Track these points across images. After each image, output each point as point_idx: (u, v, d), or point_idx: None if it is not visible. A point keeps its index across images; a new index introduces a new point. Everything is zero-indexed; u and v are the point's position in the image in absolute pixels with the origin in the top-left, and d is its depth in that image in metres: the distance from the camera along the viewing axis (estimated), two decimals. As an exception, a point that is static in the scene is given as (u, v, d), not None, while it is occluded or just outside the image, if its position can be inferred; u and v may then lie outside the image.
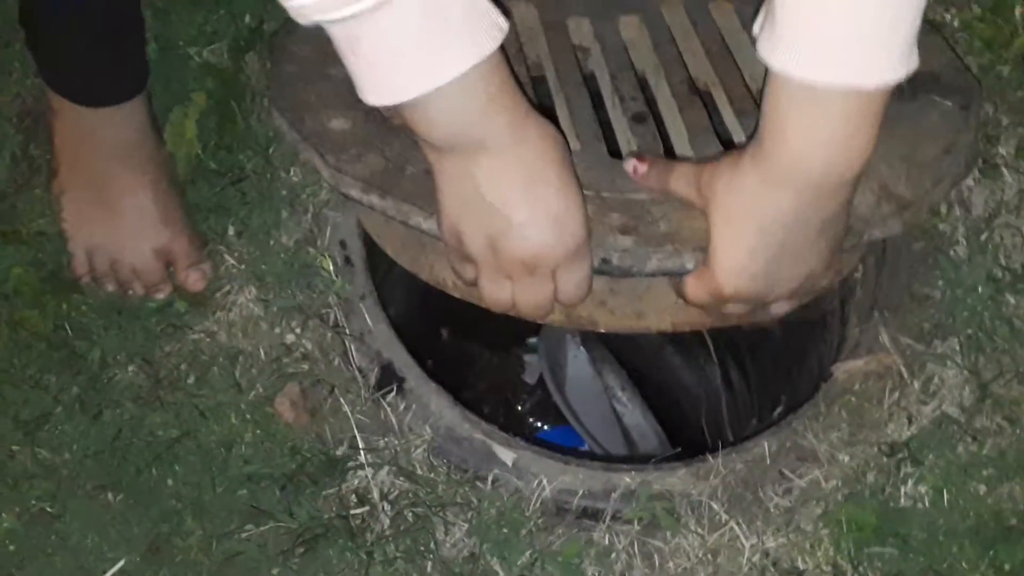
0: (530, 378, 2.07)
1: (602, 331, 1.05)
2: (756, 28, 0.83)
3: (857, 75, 0.79)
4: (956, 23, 1.25)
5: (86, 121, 1.12)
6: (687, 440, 1.91)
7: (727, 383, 1.74)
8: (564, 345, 1.96)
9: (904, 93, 1.09)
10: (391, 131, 1.05)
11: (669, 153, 1.07)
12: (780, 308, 0.98)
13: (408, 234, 1.04)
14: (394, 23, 0.77)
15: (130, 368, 1.11)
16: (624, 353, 1.99)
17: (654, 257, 0.95)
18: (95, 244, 1.15)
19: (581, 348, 1.96)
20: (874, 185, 1.01)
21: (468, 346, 2.01)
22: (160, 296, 1.15)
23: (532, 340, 2.03)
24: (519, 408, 2.05)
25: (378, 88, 0.82)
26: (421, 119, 0.85)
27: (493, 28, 0.83)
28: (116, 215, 1.15)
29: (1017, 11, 1.25)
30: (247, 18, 1.24)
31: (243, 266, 1.16)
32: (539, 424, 2.02)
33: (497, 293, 0.94)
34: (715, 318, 1.01)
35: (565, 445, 1.91)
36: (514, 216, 0.88)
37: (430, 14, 0.78)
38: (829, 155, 0.83)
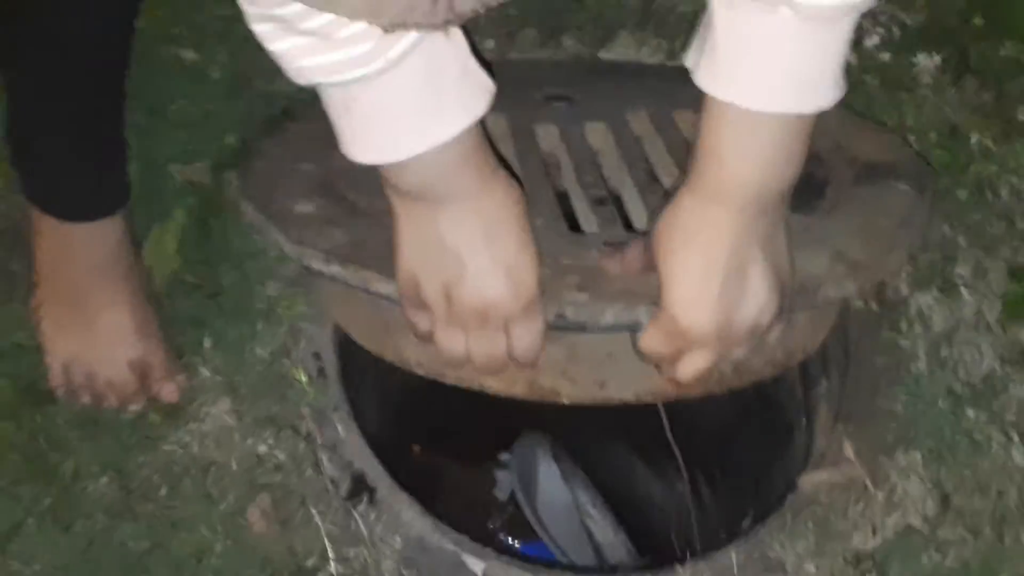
0: (502, 494, 2.06)
1: (565, 402, 1.06)
2: (690, 60, 0.86)
3: (796, 103, 0.82)
4: (915, 148, 1.29)
5: (66, 236, 1.14)
6: (657, 554, 1.91)
7: (696, 496, 1.74)
8: (536, 460, 1.96)
9: (861, 179, 1.13)
10: (354, 213, 1.07)
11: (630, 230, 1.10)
12: (740, 353, 0.96)
13: (373, 315, 1.06)
14: (396, 87, 0.80)
15: (103, 479, 1.12)
16: (595, 468, 1.99)
17: (609, 311, 0.96)
18: (71, 357, 1.16)
19: (553, 464, 1.97)
20: (828, 251, 1.03)
21: (440, 461, 2.01)
22: (134, 408, 1.16)
23: (504, 456, 2.03)
24: (490, 525, 2.04)
25: (367, 147, 0.85)
26: (394, 169, 0.87)
27: (483, 90, 0.86)
28: (93, 329, 1.16)
29: (973, 138, 1.30)
30: (229, 137, 1.27)
31: (218, 377, 1.17)
32: (511, 540, 2.01)
33: (452, 343, 0.95)
34: (677, 385, 1.00)
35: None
36: (471, 263, 0.90)
37: (430, 78, 0.81)
38: (765, 173, 0.86)
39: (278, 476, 1.13)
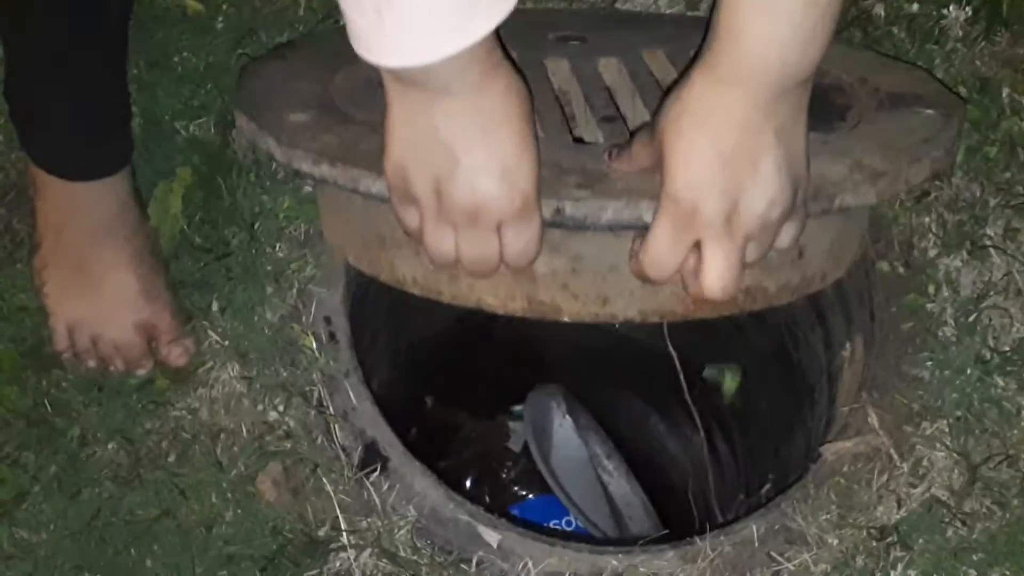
0: (515, 446, 2.05)
1: (566, 319, 1.00)
2: None
3: None
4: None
5: (68, 196, 1.12)
6: (673, 509, 1.90)
7: (714, 454, 1.72)
8: (550, 414, 1.95)
9: (885, 106, 1.09)
10: (348, 122, 1.02)
11: None
12: (752, 253, 0.89)
13: (367, 230, 1.01)
14: None
15: (110, 446, 1.10)
16: (610, 422, 1.97)
17: (610, 207, 0.90)
18: (76, 319, 1.14)
19: (567, 417, 1.95)
20: (848, 160, 0.97)
21: (453, 414, 2.00)
22: (141, 372, 1.14)
23: (517, 408, 2.02)
24: (504, 476, 2.03)
25: (400, 50, 0.78)
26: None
27: None
28: (98, 290, 1.14)
29: (1004, 92, 1.25)
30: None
31: (227, 342, 1.15)
32: (524, 493, 2.00)
33: (440, 243, 0.89)
34: (685, 302, 0.96)
35: (550, 514, 1.90)
36: (464, 159, 0.84)
37: None
38: (784, 53, 0.80)
39: (288, 443, 1.11)
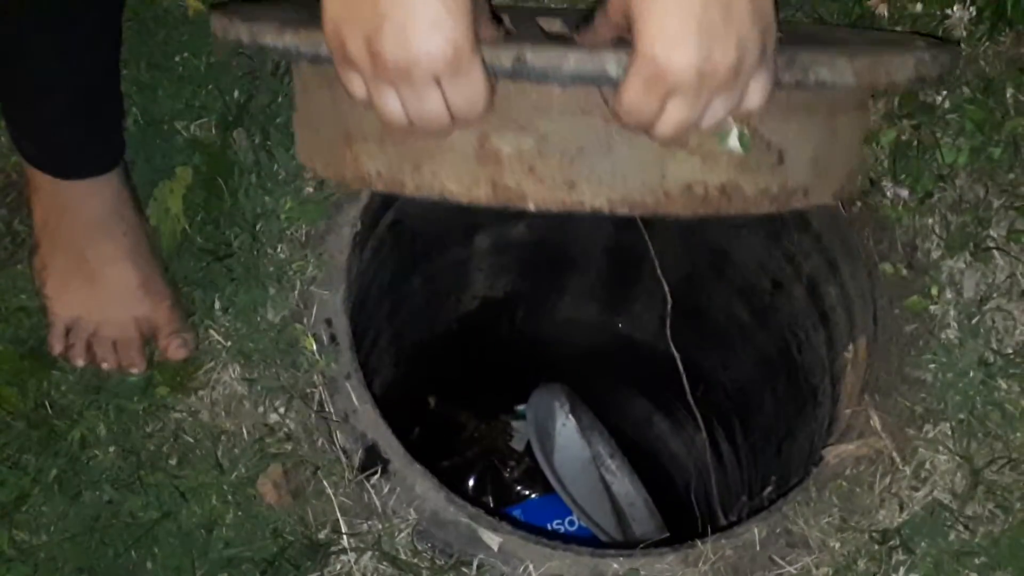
0: (518, 445, 2.05)
1: (531, 207, 0.95)
2: None
3: None
4: (947, 104, 1.24)
5: (64, 194, 1.11)
6: (675, 508, 1.90)
7: (716, 454, 1.72)
8: (553, 413, 1.95)
9: (877, 43, 1.07)
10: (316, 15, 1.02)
11: None
12: (718, 109, 0.86)
13: (334, 129, 0.98)
14: None
15: (111, 448, 1.10)
16: (612, 421, 1.97)
17: (572, 56, 0.86)
18: (75, 315, 1.14)
19: (570, 416, 1.95)
20: (832, 48, 0.95)
21: (456, 413, 2.00)
22: (134, 371, 1.14)
23: (520, 407, 2.02)
24: (506, 475, 2.03)
25: None
26: None
27: None
28: (96, 285, 1.14)
29: (1008, 93, 1.25)
30: (235, 93, 1.23)
31: (229, 342, 1.14)
32: (526, 492, 2.00)
33: (386, 104, 0.87)
34: (656, 193, 0.92)
35: (552, 514, 1.90)
36: (391, 13, 0.82)
37: None
38: None
39: (289, 445, 1.10)
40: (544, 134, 0.92)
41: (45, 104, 1.07)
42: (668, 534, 1.87)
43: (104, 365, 1.14)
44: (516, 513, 1.92)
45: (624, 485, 1.98)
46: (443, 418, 1.98)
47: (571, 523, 1.89)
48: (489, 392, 2.00)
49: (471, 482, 2.00)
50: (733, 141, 0.91)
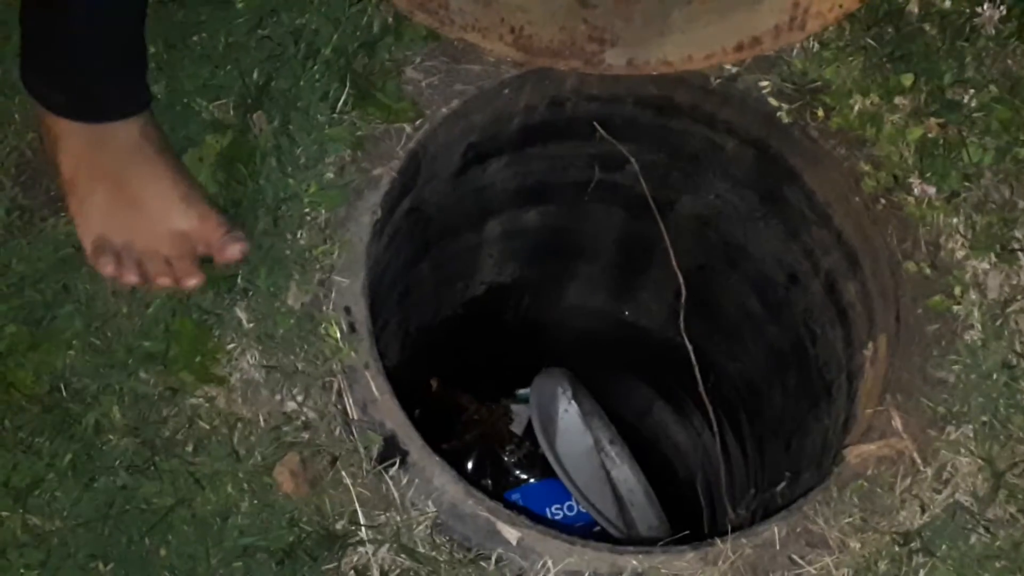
0: (518, 429, 2.04)
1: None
2: None
3: None
4: (974, 103, 1.23)
5: (96, 135, 1.10)
6: (675, 497, 1.90)
7: (722, 444, 1.72)
8: (556, 398, 1.94)
9: None
10: None
11: None
12: None
13: None
14: None
15: (125, 434, 1.08)
16: (614, 408, 1.97)
17: None
18: (125, 239, 1.12)
19: (572, 402, 1.94)
20: None
21: (457, 396, 1.99)
22: (193, 283, 1.12)
23: (522, 391, 2.01)
24: (506, 459, 2.02)
25: None
26: None
27: None
28: (141, 206, 1.12)
29: (1035, 93, 1.24)
30: (255, 75, 1.21)
31: (251, 325, 1.12)
32: (525, 476, 2.00)
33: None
34: None
35: (552, 498, 1.89)
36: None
37: None
38: None
39: (306, 434, 1.09)
40: None
41: (81, 51, 1.06)
42: (667, 523, 1.88)
43: (160, 280, 1.12)
44: (515, 497, 1.91)
45: (624, 472, 1.98)
46: (444, 400, 1.97)
47: (570, 508, 1.89)
48: (491, 376, 1.99)
49: (470, 465, 2.00)
50: None
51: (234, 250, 1.12)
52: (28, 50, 1.09)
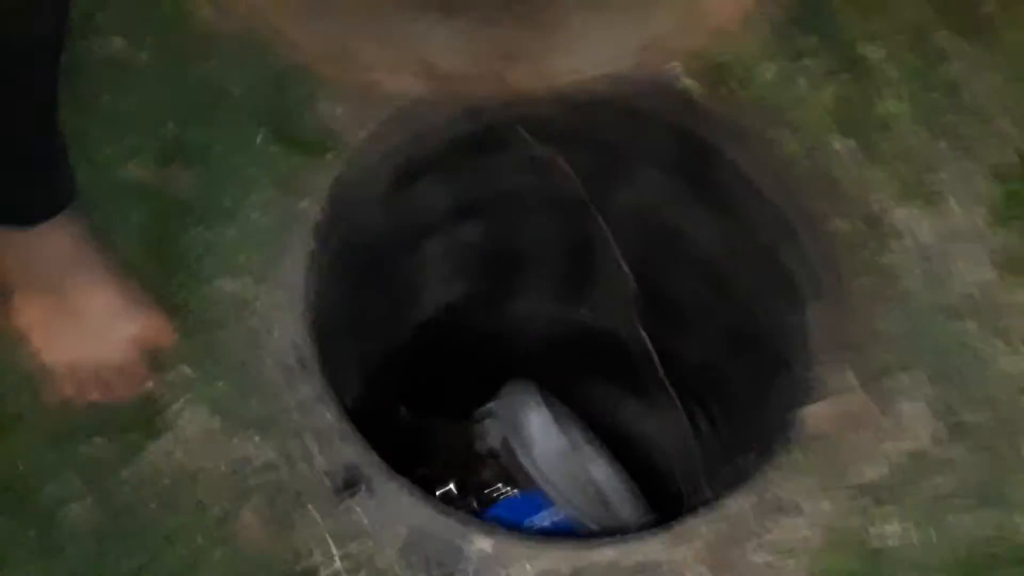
0: (494, 443, 2.04)
1: None
2: None
3: None
4: (883, 54, 1.25)
5: (27, 241, 1.09)
6: (658, 491, 1.90)
7: (696, 432, 1.72)
8: (525, 408, 1.93)
9: None
10: None
11: None
12: None
13: None
14: None
15: (88, 500, 1.07)
16: (585, 411, 1.97)
17: None
18: (73, 357, 1.12)
19: (543, 408, 1.94)
20: None
21: (428, 421, 1.98)
22: (148, 386, 1.12)
23: (489, 406, 2.01)
24: (485, 476, 2.02)
25: None
26: None
27: None
28: (84, 319, 1.12)
29: (939, 38, 1.26)
30: (169, 126, 1.21)
31: (195, 379, 1.12)
32: (507, 489, 1.99)
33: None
34: None
35: (536, 508, 1.89)
36: None
37: None
38: None
39: (269, 475, 1.09)
40: None
41: None
42: (653, 516, 1.87)
43: (117, 392, 1.12)
44: (498, 512, 1.91)
45: (603, 469, 1.97)
46: (414, 427, 1.96)
47: (555, 514, 1.88)
48: (459, 396, 1.99)
49: (450, 486, 1.99)
50: None
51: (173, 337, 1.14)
52: None
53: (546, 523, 1.86)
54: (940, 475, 1.08)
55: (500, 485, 1.98)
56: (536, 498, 1.86)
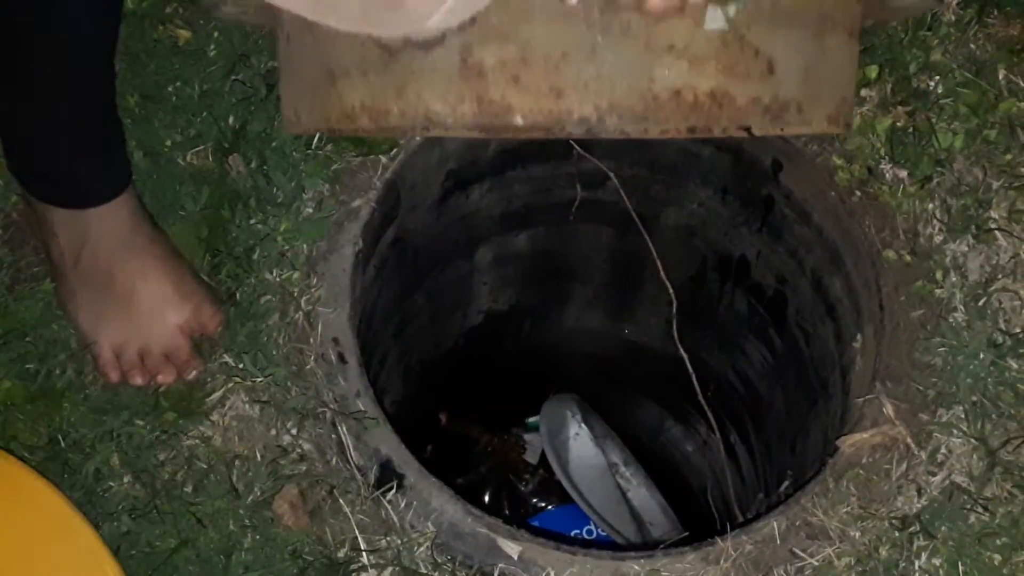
0: (532, 458, 2.04)
1: (519, 122, 0.91)
2: None
3: None
4: (940, 89, 1.25)
5: (83, 223, 1.12)
6: (694, 513, 1.90)
7: (731, 455, 1.72)
8: (565, 424, 1.94)
9: None
10: None
11: None
12: None
13: (318, 73, 0.95)
14: None
15: (126, 479, 1.09)
16: (625, 428, 1.97)
17: None
18: (120, 340, 1.14)
19: (583, 426, 1.95)
20: None
21: (467, 429, 1.99)
22: (193, 376, 1.14)
23: (532, 420, 2.01)
24: (522, 488, 2.02)
25: None
26: None
27: None
28: (132, 303, 1.14)
29: (1001, 74, 1.25)
30: (230, 119, 1.24)
31: (238, 365, 1.14)
32: (543, 504, 2.00)
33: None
34: (645, 98, 0.89)
35: (571, 524, 1.89)
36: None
37: None
38: None
39: (303, 466, 1.10)
40: (527, 40, 0.89)
41: (54, 140, 1.08)
42: (686, 533, 1.87)
43: (162, 379, 1.14)
44: (534, 524, 1.91)
45: (640, 491, 1.98)
46: (455, 434, 1.97)
47: (590, 532, 1.89)
48: (500, 405, 2.00)
49: (487, 497, 2.00)
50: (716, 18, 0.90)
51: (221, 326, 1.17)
52: (5, 136, 1.11)
53: (586, 538, 1.86)
54: (975, 512, 1.07)
55: (536, 500, 1.99)
56: (575, 512, 1.87)
